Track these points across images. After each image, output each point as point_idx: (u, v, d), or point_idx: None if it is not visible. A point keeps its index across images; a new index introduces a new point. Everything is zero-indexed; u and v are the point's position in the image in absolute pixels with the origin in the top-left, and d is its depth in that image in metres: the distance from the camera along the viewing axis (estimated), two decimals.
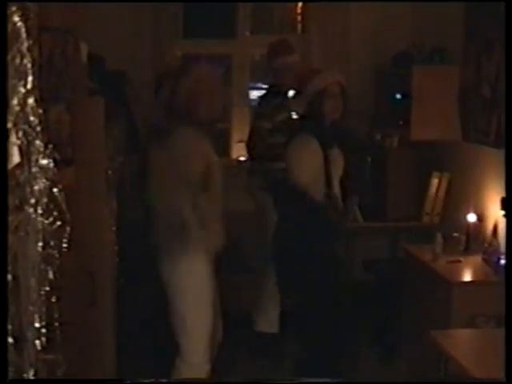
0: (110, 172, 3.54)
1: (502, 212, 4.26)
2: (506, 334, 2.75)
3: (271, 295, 5.16)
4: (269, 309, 5.29)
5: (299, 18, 6.52)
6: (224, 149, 6.39)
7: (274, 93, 5.33)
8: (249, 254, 5.93)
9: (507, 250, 4.06)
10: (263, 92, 5.68)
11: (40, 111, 1.82)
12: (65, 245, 2.00)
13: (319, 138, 4.29)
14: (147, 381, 3.45)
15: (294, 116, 5.06)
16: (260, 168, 5.26)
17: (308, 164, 4.27)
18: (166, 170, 3.82)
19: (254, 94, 7.01)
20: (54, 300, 1.95)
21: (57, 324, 2.00)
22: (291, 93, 5.27)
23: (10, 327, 1.74)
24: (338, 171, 4.39)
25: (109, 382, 3.02)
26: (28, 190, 1.81)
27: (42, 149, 1.85)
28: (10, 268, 1.72)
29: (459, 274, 4.47)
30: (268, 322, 5.31)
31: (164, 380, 3.92)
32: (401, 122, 5.59)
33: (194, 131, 3.88)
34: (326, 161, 4.28)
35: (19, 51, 1.74)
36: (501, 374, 2.61)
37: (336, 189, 4.36)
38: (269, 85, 5.54)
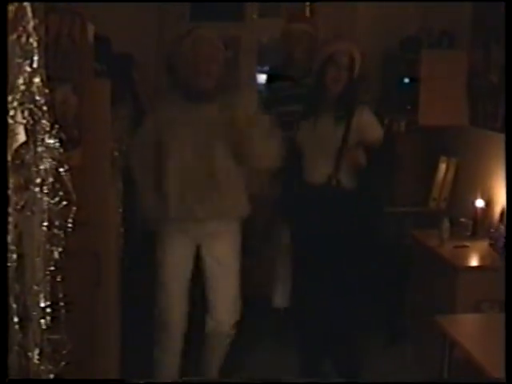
0: (116, 153, 3.54)
1: None
2: (506, 335, 2.76)
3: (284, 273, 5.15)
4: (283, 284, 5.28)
5: (307, 1, 6.49)
6: None
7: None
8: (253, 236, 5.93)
9: (507, 238, 4.07)
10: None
11: (46, 91, 1.82)
12: (70, 225, 2.00)
13: (319, 106, 4.29)
14: (147, 381, 3.47)
15: None
16: None
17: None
18: None
19: (262, 78, 6.99)
20: (59, 280, 1.95)
21: (62, 304, 2.01)
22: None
23: (14, 306, 1.75)
24: (333, 147, 4.35)
25: (109, 381, 3.03)
26: (34, 169, 1.81)
27: (48, 128, 1.84)
28: (15, 247, 1.73)
29: (465, 259, 4.47)
30: (282, 296, 5.30)
31: (164, 380, 3.94)
32: (408, 107, 5.56)
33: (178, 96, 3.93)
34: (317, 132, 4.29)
35: (25, 30, 1.73)
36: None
37: (333, 165, 4.35)
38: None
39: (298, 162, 4.38)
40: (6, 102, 1.65)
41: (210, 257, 4.13)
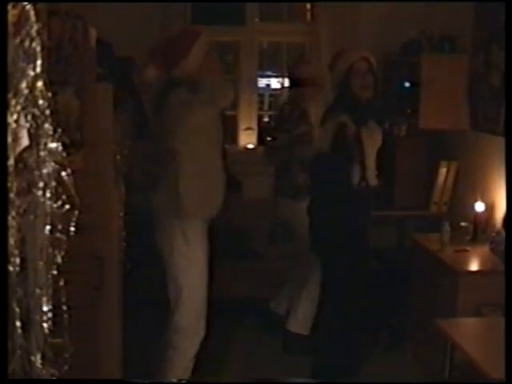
0: (118, 157, 3.54)
1: None
2: (506, 335, 2.76)
3: (310, 296, 5.13)
4: (305, 310, 5.23)
5: (308, 6, 6.50)
6: (231, 136, 6.41)
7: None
8: (257, 240, 5.96)
9: (507, 242, 4.07)
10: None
11: (49, 95, 1.82)
12: (73, 229, 2.00)
13: (351, 115, 4.30)
14: (148, 381, 3.47)
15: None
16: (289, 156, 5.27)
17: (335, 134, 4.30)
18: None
19: (262, 82, 7.01)
20: (61, 284, 1.95)
21: (64, 307, 2.01)
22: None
23: (17, 310, 1.75)
24: (373, 149, 4.39)
25: (109, 381, 3.03)
26: (37, 173, 1.81)
27: (50, 132, 1.85)
28: (17, 251, 1.73)
29: (466, 263, 4.47)
30: (301, 323, 5.25)
31: (164, 380, 3.94)
32: (409, 111, 5.57)
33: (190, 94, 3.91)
34: (359, 138, 4.27)
35: (28, 34, 1.73)
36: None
37: (371, 166, 4.36)
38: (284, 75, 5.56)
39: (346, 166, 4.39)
40: (5, 104, 1.65)
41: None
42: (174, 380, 3.96)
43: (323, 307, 4.63)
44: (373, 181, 4.39)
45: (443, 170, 5.54)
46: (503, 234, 4.44)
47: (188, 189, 3.91)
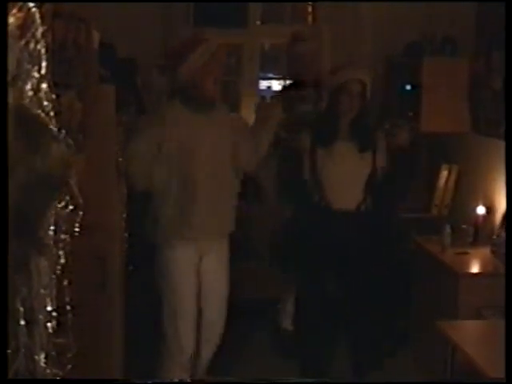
0: (120, 159, 3.55)
1: None
2: (506, 335, 2.77)
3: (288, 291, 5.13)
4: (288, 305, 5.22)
5: (310, 8, 6.51)
6: None
7: (295, 85, 5.31)
8: (258, 243, 5.96)
9: (507, 245, 4.07)
10: (283, 84, 5.63)
11: (53, 96, 1.84)
12: (76, 229, 2.01)
13: (333, 134, 4.29)
14: (146, 381, 3.47)
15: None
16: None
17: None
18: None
19: (264, 84, 7.01)
20: (65, 283, 1.96)
21: (68, 307, 2.02)
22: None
23: (21, 309, 1.76)
24: (344, 171, 4.32)
25: (110, 381, 3.03)
26: None
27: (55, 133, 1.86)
28: None
29: (467, 265, 4.48)
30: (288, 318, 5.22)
31: (164, 380, 3.95)
32: (410, 114, 5.57)
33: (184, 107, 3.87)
34: (316, 159, 4.28)
35: (33, 36, 1.75)
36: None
37: (342, 190, 4.33)
38: (286, 77, 5.49)
39: (318, 190, 4.36)
40: (6, 103, 1.66)
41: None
42: (174, 380, 3.96)
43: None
44: (345, 205, 4.32)
45: (444, 173, 5.55)
46: (504, 236, 4.45)
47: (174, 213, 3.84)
